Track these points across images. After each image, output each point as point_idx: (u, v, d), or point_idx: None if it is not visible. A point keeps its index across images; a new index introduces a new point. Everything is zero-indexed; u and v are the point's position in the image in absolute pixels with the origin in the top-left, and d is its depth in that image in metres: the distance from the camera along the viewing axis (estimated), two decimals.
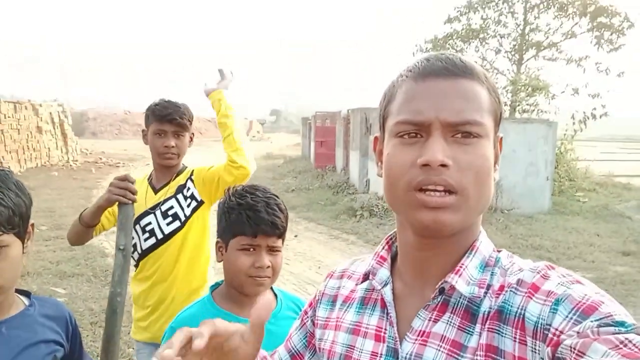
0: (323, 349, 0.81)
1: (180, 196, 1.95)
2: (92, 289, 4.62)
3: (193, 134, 2.05)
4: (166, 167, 1.98)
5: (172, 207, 1.94)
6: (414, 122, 0.66)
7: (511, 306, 0.61)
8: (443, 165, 0.63)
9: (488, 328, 0.63)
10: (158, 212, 1.93)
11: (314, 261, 6.23)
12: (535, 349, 0.57)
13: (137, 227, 1.92)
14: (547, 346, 0.55)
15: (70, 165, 15.20)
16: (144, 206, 1.94)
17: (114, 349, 1.57)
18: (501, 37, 14.66)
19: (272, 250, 1.20)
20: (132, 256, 1.82)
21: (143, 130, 2.03)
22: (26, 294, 1.15)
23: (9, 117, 12.79)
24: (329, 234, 7.82)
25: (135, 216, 1.83)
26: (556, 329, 0.55)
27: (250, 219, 1.15)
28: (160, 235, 1.92)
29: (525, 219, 8.24)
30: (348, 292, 0.83)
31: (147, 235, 1.93)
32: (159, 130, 1.92)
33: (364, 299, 0.79)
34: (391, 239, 0.80)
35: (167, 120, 1.90)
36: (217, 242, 1.25)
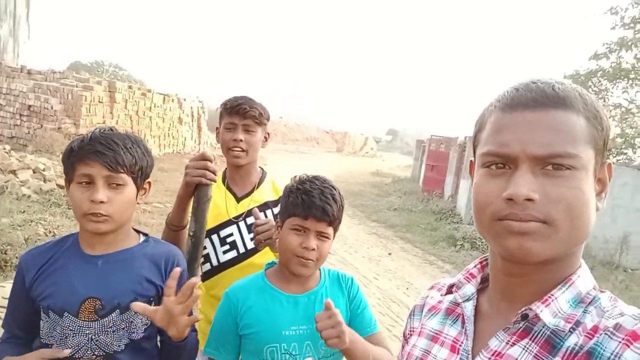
0: (405, 351, 0.86)
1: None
2: None
3: (268, 133, 1.89)
4: (236, 168, 1.81)
5: None
6: (500, 154, 0.66)
7: (603, 350, 0.59)
8: (529, 200, 0.62)
9: None
10: (242, 224, 1.77)
11: (403, 281, 6.18)
12: None
13: (215, 237, 1.77)
14: None
15: None
16: (225, 215, 1.78)
17: None
18: None
19: (321, 235, 1.28)
20: (201, 266, 1.76)
21: (217, 128, 1.88)
22: (145, 235, 1.30)
23: (158, 106, 14.69)
24: (423, 258, 7.67)
25: (216, 224, 1.76)
26: None
27: (304, 202, 1.26)
28: (242, 249, 1.76)
29: None
30: (435, 302, 0.87)
31: (227, 247, 1.77)
32: (228, 123, 1.77)
33: (447, 310, 0.83)
34: (485, 259, 0.81)
35: (235, 112, 1.76)
36: (275, 222, 1.39)
